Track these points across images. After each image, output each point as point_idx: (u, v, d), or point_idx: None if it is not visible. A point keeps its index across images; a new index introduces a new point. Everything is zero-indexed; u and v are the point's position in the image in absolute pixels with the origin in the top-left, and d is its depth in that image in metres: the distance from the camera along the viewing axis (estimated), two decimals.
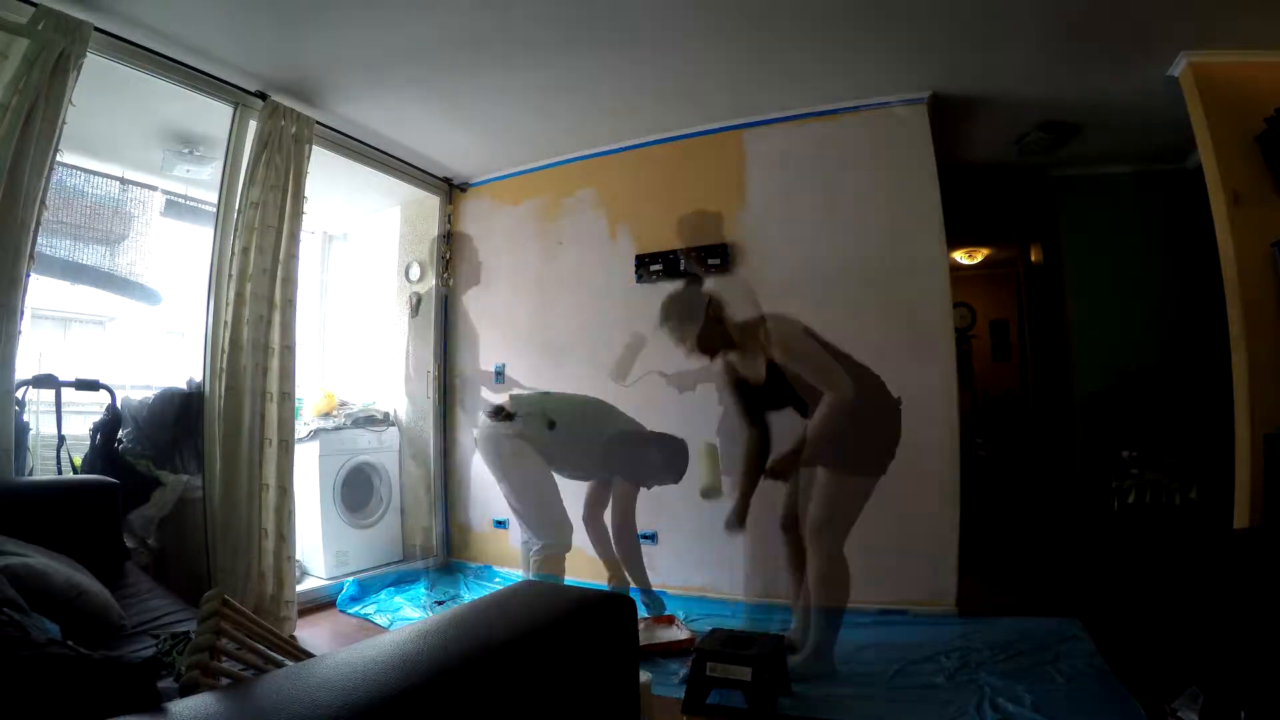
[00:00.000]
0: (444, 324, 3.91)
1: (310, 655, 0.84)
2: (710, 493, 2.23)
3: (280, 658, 0.94)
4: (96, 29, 2.15)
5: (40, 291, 2.55)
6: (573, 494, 2.64)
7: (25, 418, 2.31)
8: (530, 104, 3.04)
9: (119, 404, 2.54)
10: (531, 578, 2.43)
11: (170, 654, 0.99)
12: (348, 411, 3.68)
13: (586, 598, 0.88)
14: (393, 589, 3.27)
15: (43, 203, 2.06)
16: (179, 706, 0.57)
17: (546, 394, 2.77)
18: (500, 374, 3.66)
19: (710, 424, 2.83)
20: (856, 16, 2.37)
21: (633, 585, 2.62)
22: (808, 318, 2.95)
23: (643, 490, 2.61)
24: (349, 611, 2.97)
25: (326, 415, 3.60)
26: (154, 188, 3.31)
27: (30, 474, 2.33)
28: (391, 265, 4.08)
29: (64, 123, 2.08)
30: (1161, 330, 3.60)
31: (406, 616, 2.89)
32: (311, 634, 2.69)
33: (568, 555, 2.49)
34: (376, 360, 4.09)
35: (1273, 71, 2.49)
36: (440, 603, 3.08)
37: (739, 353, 2.11)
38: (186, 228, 3.41)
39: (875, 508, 2.49)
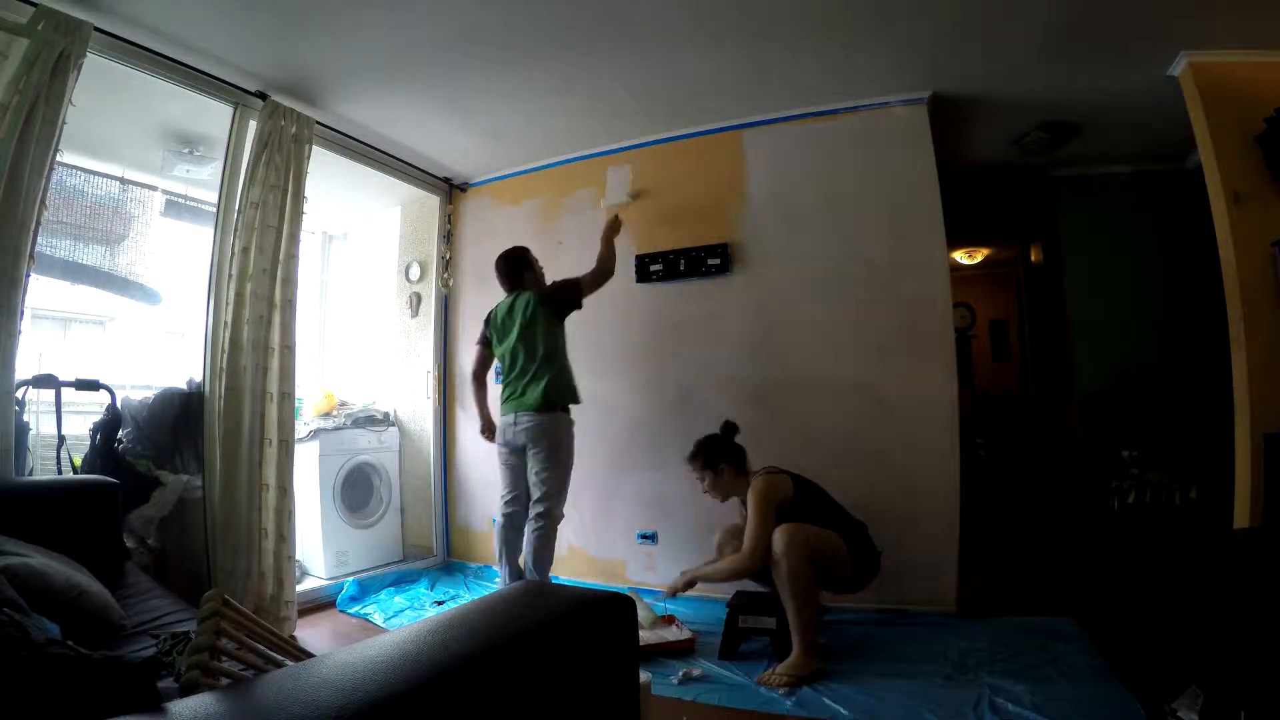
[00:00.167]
0: (444, 324, 3.91)
1: (310, 655, 0.84)
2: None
3: (280, 658, 0.94)
4: (96, 29, 2.15)
5: (40, 291, 2.56)
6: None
7: (25, 418, 2.32)
8: (530, 104, 3.04)
9: (119, 404, 2.54)
10: (530, 549, 2.59)
11: (170, 654, 0.99)
12: (348, 411, 3.68)
13: (586, 598, 0.88)
14: (393, 589, 3.26)
15: (43, 203, 2.06)
16: (179, 706, 0.56)
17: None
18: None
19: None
20: (856, 16, 2.37)
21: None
22: (808, 318, 2.99)
23: (643, 490, 2.65)
24: (349, 611, 2.97)
25: (326, 415, 3.60)
26: (154, 188, 3.31)
27: (30, 474, 2.33)
28: (391, 265, 4.09)
29: (64, 123, 2.08)
30: (1161, 330, 3.60)
31: (406, 616, 2.89)
32: (311, 634, 2.69)
33: (568, 556, 2.59)
34: (376, 360, 4.09)
35: (1273, 71, 2.49)
36: (440, 603, 3.07)
37: (741, 499, 2.46)
38: (186, 228, 3.42)
39: (876, 508, 2.51)
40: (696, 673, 2.16)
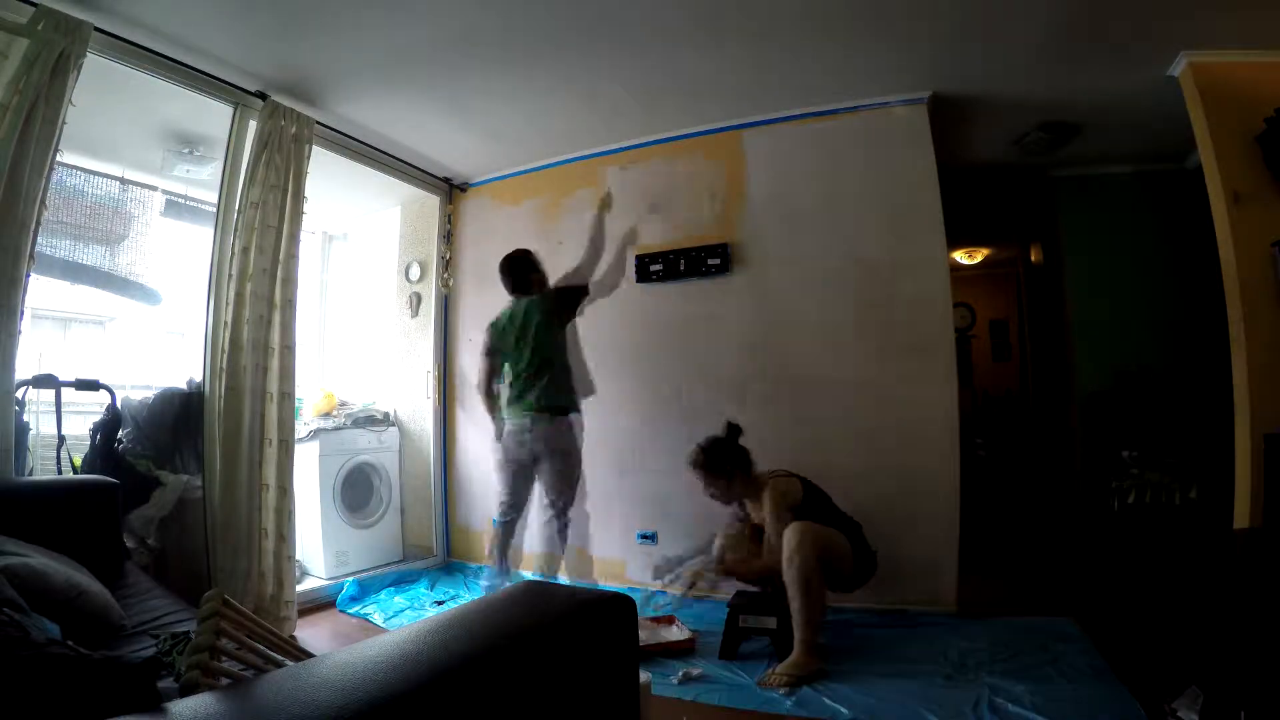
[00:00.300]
0: (444, 324, 3.91)
1: (310, 655, 0.84)
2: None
3: (280, 658, 0.93)
4: (96, 29, 2.15)
5: (40, 291, 2.56)
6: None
7: (25, 418, 2.31)
8: (530, 104, 3.04)
9: (119, 404, 2.54)
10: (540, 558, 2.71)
11: (170, 654, 0.99)
12: (348, 411, 3.68)
13: (586, 598, 0.88)
14: (393, 589, 3.26)
15: (43, 203, 2.06)
16: (179, 706, 0.56)
17: None
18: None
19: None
20: (856, 17, 2.37)
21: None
22: (808, 318, 2.99)
23: (642, 490, 2.69)
24: (349, 611, 2.97)
25: (326, 415, 3.60)
26: (154, 188, 3.31)
27: (30, 474, 2.33)
28: (391, 265, 4.09)
29: (64, 123, 2.08)
30: (1161, 330, 3.60)
31: (406, 616, 2.89)
32: (311, 634, 2.69)
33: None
34: (376, 360, 4.09)
35: (1273, 71, 2.49)
36: (440, 603, 3.07)
37: (749, 502, 2.50)
38: (186, 228, 3.42)
39: (876, 508, 2.51)
40: (696, 673, 2.16)
